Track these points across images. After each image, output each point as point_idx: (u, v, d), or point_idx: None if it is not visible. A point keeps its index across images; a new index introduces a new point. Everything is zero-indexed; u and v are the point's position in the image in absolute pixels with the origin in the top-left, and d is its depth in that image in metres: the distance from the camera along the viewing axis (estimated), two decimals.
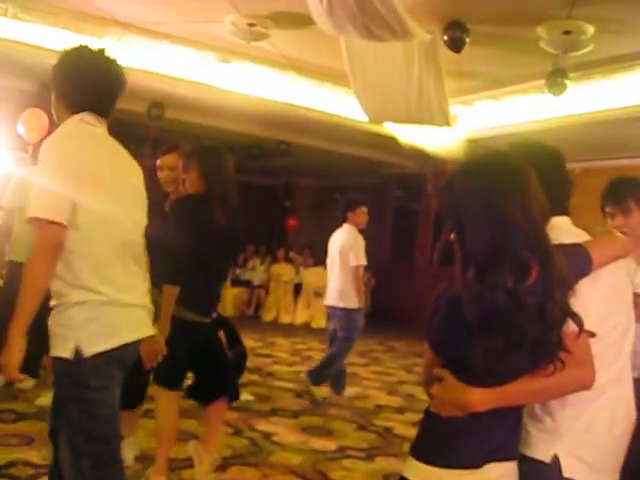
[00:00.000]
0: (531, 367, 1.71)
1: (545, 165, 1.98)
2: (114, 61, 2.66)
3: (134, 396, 4.19)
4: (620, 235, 2.18)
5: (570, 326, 1.71)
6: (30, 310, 2.31)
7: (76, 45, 2.66)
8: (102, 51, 2.65)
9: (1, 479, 3.65)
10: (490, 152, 1.83)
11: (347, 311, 6.50)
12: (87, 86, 2.54)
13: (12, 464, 3.89)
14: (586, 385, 1.77)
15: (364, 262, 6.58)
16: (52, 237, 2.34)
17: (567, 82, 6.64)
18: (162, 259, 3.55)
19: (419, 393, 7.22)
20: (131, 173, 2.69)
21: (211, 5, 6.03)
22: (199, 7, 6.19)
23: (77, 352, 2.38)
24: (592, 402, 1.85)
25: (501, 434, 1.77)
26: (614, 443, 1.95)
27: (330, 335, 6.78)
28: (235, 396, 4.10)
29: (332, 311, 6.72)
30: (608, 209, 3.08)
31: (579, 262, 1.83)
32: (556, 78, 6.63)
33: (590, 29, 5.57)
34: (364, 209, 6.71)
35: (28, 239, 3.07)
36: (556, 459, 1.85)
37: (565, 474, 1.85)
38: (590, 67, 6.68)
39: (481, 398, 1.69)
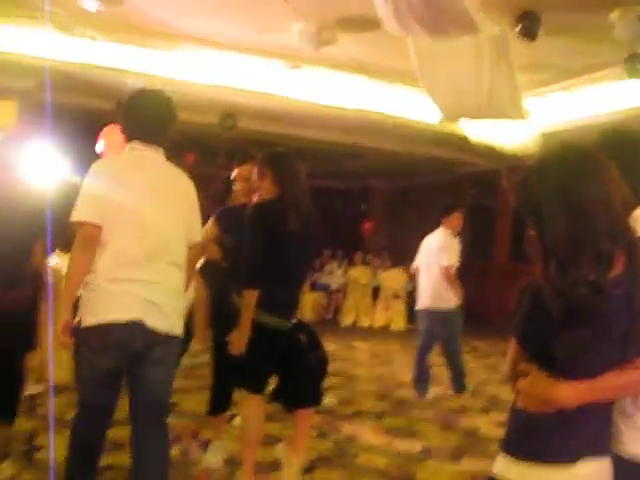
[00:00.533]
0: (620, 360, 1.67)
1: (626, 154, 1.95)
2: (164, 99, 3.24)
3: (220, 402, 4.29)
4: None
5: None
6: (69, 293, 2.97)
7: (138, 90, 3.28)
8: (155, 92, 3.28)
9: None
10: (565, 144, 1.79)
11: (445, 312, 6.54)
12: (137, 121, 3.15)
13: (107, 468, 4.03)
14: None
15: (456, 263, 6.61)
16: (84, 236, 2.95)
17: None
18: (241, 265, 3.65)
19: (503, 393, 7.10)
20: (174, 187, 3.19)
21: (278, 15, 6.11)
22: (267, 18, 6.29)
23: (79, 322, 2.98)
24: None
25: (592, 429, 1.73)
26: None
27: (423, 338, 6.75)
28: (318, 401, 4.14)
29: (428, 314, 6.66)
30: None
31: None
32: (635, 63, 6.45)
33: None
34: (459, 214, 6.86)
35: None
36: None
37: None
38: None
39: (569, 393, 1.66)
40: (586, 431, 1.72)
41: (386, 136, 10.44)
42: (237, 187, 4.27)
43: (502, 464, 1.77)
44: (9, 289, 3.51)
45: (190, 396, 5.94)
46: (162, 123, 3.18)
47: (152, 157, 3.15)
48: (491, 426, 5.68)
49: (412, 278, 12.90)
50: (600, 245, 1.62)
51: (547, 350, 1.66)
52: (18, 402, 3.97)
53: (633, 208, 1.77)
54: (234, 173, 4.29)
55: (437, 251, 6.61)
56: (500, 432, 5.75)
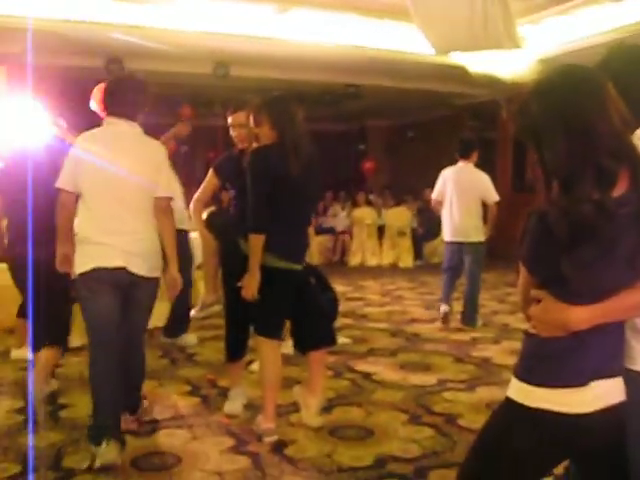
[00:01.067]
0: (630, 280, 1.68)
1: (631, 69, 1.94)
2: (140, 84, 3.86)
3: (236, 349, 4.37)
4: None
5: None
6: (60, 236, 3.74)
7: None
8: (132, 79, 3.95)
9: (122, 435, 3.86)
10: (561, 66, 1.79)
11: (477, 244, 6.94)
12: (116, 103, 3.75)
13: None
14: None
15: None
16: (60, 199, 3.65)
17: None
18: (246, 211, 3.70)
19: (513, 322, 7.20)
20: (142, 154, 3.77)
21: None
22: None
23: (75, 273, 3.66)
24: None
25: (605, 351, 1.76)
26: None
27: (454, 270, 7.10)
28: (332, 342, 4.22)
29: (460, 246, 6.98)
30: None
31: None
32: None
33: None
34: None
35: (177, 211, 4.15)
36: None
37: None
38: None
39: (582, 316, 1.67)
40: (599, 352, 1.74)
41: (381, 73, 10.33)
42: (234, 134, 4.27)
43: (516, 389, 1.80)
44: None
45: (205, 346, 6.04)
46: (137, 105, 3.79)
47: (126, 130, 3.75)
48: (503, 355, 5.77)
49: (419, 213, 12.96)
50: (602, 161, 1.62)
51: (556, 274, 1.66)
52: (68, 333, 4.58)
53: (633, 128, 1.75)
54: (229, 120, 4.29)
55: (477, 186, 6.92)
56: (512, 360, 5.86)
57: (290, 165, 3.66)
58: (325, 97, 12.06)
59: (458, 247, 6.98)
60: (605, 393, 1.74)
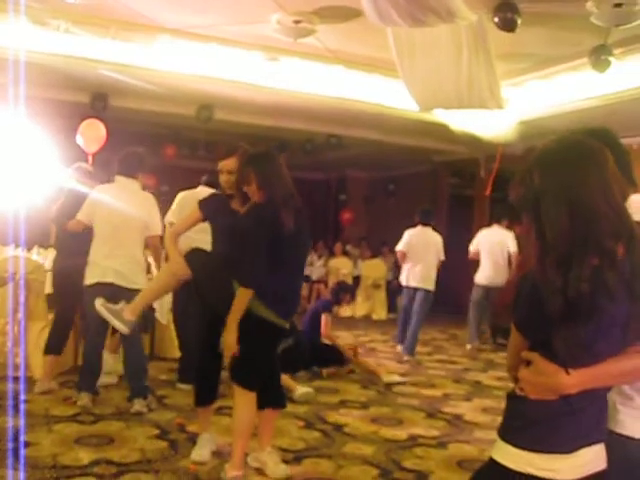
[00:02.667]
0: (621, 345, 1.69)
1: (612, 145, 1.97)
2: (138, 152, 5.54)
3: (207, 394, 4.29)
4: None
5: None
6: None
7: None
8: (134, 152, 5.53)
9: (86, 477, 3.77)
10: (565, 138, 1.79)
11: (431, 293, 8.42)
12: (121, 166, 5.39)
13: (95, 463, 4.02)
14: None
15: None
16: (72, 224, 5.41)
17: (611, 59, 6.48)
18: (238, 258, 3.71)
19: (485, 379, 7.20)
20: (137, 201, 5.34)
21: (256, 5, 6.08)
22: (244, 8, 6.25)
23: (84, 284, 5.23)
24: None
25: (592, 417, 1.75)
26: None
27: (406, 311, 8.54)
28: (283, 404, 4.23)
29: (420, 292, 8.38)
30: None
31: None
32: (599, 55, 6.50)
33: None
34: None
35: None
36: None
37: None
38: None
39: (573, 380, 1.66)
40: (587, 418, 1.74)
41: (365, 126, 10.46)
42: (222, 179, 4.28)
43: (502, 451, 1.77)
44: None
45: (176, 389, 5.93)
46: (138, 169, 5.42)
47: (129, 186, 5.37)
48: (475, 412, 5.73)
49: (395, 266, 12.99)
50: (603, 241, 1.61)
51: (548, 340, 1.65)
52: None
53: (628, 196, 1.78)
54: (219, 165, 4.30)
55: (436, 247, 8.52)
56: (484, 417, 5.85)
57: (284, 221, 3.67)
58: (306, 146, 12.16)
59: (413, 292, 8.38)
60: (591, 460, 1.73)
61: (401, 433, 5.08)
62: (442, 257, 8.51)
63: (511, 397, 1.82)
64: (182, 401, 5.52)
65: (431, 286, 8.34)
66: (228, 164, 4.21)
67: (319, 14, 6.19)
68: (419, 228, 8.50)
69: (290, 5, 6.05)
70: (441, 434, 5.12)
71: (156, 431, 4.76)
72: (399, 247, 8.56)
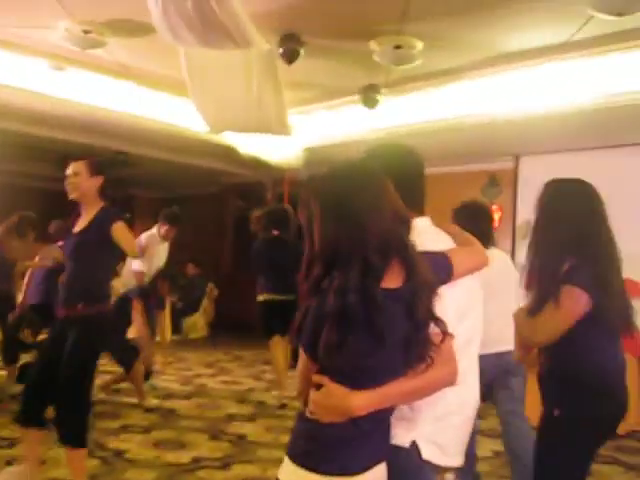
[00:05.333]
0: (404, 367, 1.78)
1: (402, 167, 2.11)
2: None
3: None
4: (480, 247, 2.24)
5: (434, 328, 1.81)
6: None
7: None
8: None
9: None
10: (347, 162, 1.90)
11: None
12: None
13: None
14: (453, 381, 1.88)
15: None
16: None
17: (378, 97, 7.20)
18: None
19: (269, 399, 7.30)
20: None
21: (42, 10, 5.74)
22: (29, 11, 5.87)
23: None
24: (447, 391, 1.95)
25: (380, 436, 1.83)
26: (465, 426, 2.13)
27: None
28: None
29: None
30: None
31: (441, 271, 1.92)
32: (369, 93, 7.19)
33: (419, 44, 5.90)
34: None
35: None
36: (414, 444, 1.97)
37: (424, 457, 1.98)
38: (419, 79, 7.07)
39: (362, 402, 1.72)
40: (374, 439, 1.81)
41: (154, 144, 10.26)
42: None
43: (292, 474, 1.79)
44: None
45: None
46: None
47: None
48: (259, 432, 5.80)
49: (180, 288, 12.84)
50: (368, 257, 1.70)
51: (334, 362, 1.71)
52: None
53: (410, 221, 1.86)
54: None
55: None
56: (268, 437, 5.92)
57: None
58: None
59: None
60: (376, 478, 1.80)
61: (184, 456, 5.02)
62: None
63: (302, 419, 1.84)
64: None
65: None
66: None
67: (110, 26, 6.00)
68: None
69: (80, 14, 5.80)
70: (224, 455, 5.13)
71: None
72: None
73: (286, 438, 5.15)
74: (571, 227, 2.70)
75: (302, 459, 1.78)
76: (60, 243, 6.54)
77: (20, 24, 6.19)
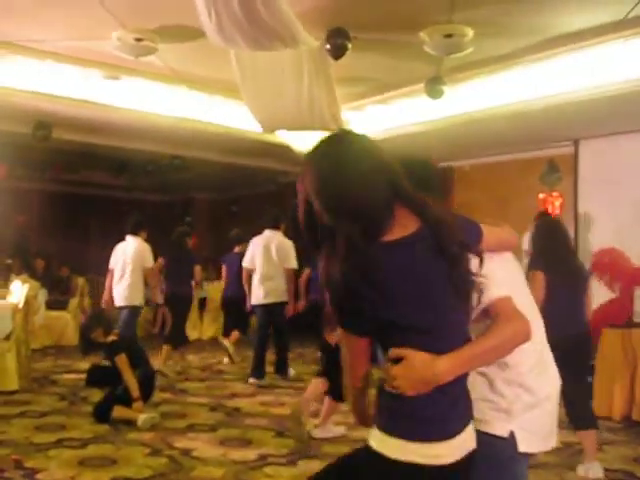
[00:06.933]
0: (465, 313, 1.81)
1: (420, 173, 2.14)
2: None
3: None
4: (511, 229, 2.24)
5: (488, 295, 1.85)
6: None
7: None
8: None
9: None
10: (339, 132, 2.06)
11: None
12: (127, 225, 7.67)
13: None
14: (528, 334, 1.85)
15: None
16: None
17: (444, 87, 7.02)
18: None
19: None
20: (134, 248, 7.67)
21: (96, 21, 5.90)
22: (84, 24, 6.06)
23: None
24: (535, 378, 2.04)
25: (465, 400, 1.81)
26: (552, 409, 2.16)
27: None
28: None
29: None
30: None
31: (471, 233, 1.90)
32: (434, 85, 7.02)
33: (470, 32, 5.82)
34: None
35: None
36: (512, 435, 2.02)
37: (520, 449, 2.03)
38: (472, 68, 6.98)
39: (448, 367, 1.67)
40: (462, 403, 1.80)
41: (208, 146, 10.40)
42: None
43: (383, 442, 1.73)
44: None
45: (12, 424, 5.58)
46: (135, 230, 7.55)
47: (129, 239, 7.61)
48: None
49: None
50: (369, 213, 1.73)
51: (409, 322, 1.71)
52: None
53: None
54: None
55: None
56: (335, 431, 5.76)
57: None
58: (148, 167, 11.93)
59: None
60: (465, 441, 1.77)
61: (250, 453, 5.06)
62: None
63: (386, 393, 1.74)
64: (19, 435, 5.20)
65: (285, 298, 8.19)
66: None
67: (161, 33, 6.12)
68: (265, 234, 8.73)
69: (131, 22, 5.94)
70: (290, 452, 5.15)
71: None
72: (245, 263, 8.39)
73: (352, 433, 5.16)
74: None
75: (392, 429, 1.72)
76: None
77: (75, 37, 6.35)
